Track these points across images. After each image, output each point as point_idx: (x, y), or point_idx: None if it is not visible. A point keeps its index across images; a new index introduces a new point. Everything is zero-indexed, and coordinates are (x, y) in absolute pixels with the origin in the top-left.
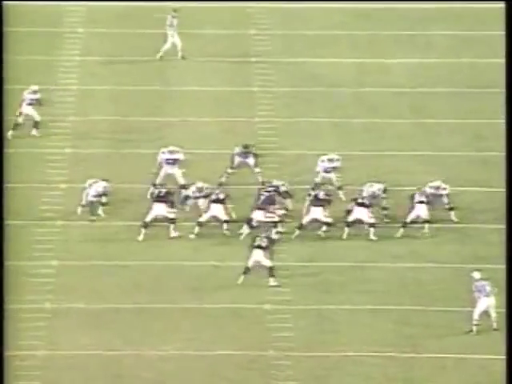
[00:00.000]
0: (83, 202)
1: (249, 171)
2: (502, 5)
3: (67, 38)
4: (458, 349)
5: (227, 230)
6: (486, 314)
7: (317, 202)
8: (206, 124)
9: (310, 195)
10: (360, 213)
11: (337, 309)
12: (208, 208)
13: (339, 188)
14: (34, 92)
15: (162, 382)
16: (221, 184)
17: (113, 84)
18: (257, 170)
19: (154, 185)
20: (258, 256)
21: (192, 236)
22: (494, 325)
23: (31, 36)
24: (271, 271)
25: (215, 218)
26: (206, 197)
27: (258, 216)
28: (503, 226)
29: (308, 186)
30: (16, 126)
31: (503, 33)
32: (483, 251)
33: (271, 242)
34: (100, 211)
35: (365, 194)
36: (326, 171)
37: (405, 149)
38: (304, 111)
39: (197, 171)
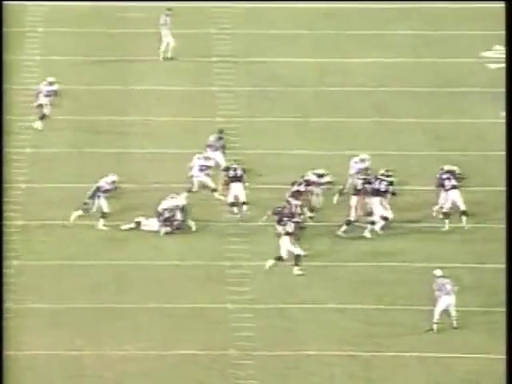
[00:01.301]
0: (87, 201)
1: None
2: (464, 5)
3: (28, 37)
4: (419, 347)
5: (244, 212)
6: (446, 312)
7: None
8: (168, 124)
9: (341, 194)
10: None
11: (298, 308)
12: (229, 188)
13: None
14: (51, 83)
15: (124, 382)
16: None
17: (74, 84)
18: (223, 165)
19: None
20: (287, 244)
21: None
22: (454, 323)
23: None
24: (297, 259)
25: (236, 198)
26: (182, 209)
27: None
28: (463, 224)
29: (274, 186)
30: (43, 116)
31: (465, 32)
32: (445, 250)
33: (299, 228)
34: (100, 223)
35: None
36: (358, 172)
37: (367, 148)
38: (265, 110)
39: (159, 171)
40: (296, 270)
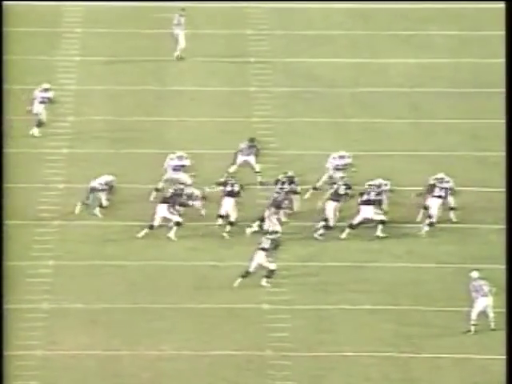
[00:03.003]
0: (87, 198)
1: (249, 171)
2: (502, 5)
3: (66, 38)
4: (456, 349)
5: (228, 232)
6: (483, 313)
7: (335, 196)
8: (204, 124)
9: (315, 189)
10: (366, 211)
11: (334, 309)
12: (222, 201)
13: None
14: (45, 90)
15: (160, 381)
16: (219, 184)
17: (111, 84)
18: (257, 168)
19: (157, 189)
20: (261, 258)
21: (225, 235)
22: (492, 325)
23: (30, 36)
24: (270, 273)
25: (227, 213)
26: (203, 198)
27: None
28: (503, 226)
29: (309, 186)
30: (40, 124)
31: (502, 33)
32: (481, 251)
33: (275, 244)
34: (97, 211)
35: (373, 188)
36: (337, 169)
37: (403, 149)
38: (302, 111)
39: (195, 171)
40: (264, 282)
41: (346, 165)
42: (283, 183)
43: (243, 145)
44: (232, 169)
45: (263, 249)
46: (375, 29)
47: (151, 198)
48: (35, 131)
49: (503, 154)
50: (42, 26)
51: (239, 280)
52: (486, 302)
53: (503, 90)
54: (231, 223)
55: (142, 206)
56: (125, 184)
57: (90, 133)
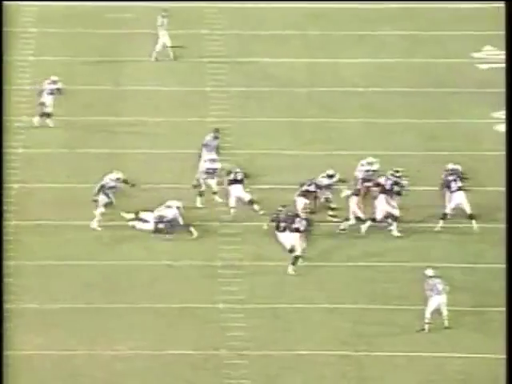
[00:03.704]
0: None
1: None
2: (455, 5)
3: (21, 37)
4: (411, 347)
5: (258, 210)
6: (437, 312)
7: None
8: (160, 124)
9: (357, 195)
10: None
11: (290, 308)
12: (228, 191)
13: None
14: (54, 82)
15: (116, 381)
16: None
17: (66, 84)
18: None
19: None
20: (295, 240)
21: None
22: (446, 323)
23: None
24: (296, 259)
25: (240, 200)
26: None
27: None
28: (454, 225)
29: (266, 186)
30: (49, 115)
31: (455, 33)
32: (436, 250)
33: (309, 225)
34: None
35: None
36: (368, 174)
37: (358, 148)
38: (257, 111)
39: (151, 171)
40: (291, 270)
41: (375, 170)
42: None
43: (208, 137)
44: (202, 166)
45: (297, 230)
46: (330, 29)
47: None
48: (36, 120)
49: (457, 153)
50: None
51: (291, 268)
52: (440, 300)
53: (457, 89)
54: (251, 202)
55: (92, 207)
56: (80, 184)
57: (44, 133)
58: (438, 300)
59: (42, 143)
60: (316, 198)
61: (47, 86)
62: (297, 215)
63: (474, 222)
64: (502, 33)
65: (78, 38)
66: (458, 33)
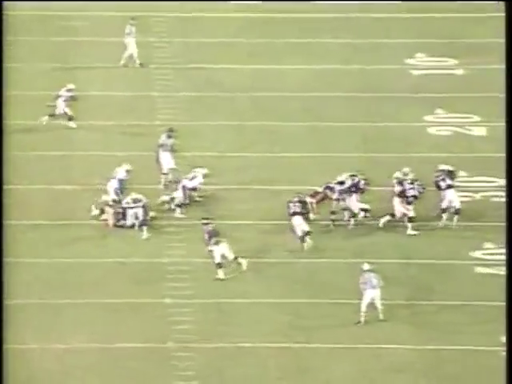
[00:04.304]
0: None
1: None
2: (389, 15)
3: None
4: (348, 339)
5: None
6: (372, 305)
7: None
8: (109, 128)
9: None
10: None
11: (234, 302)
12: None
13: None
14: (69, 90)
15: (68, 374)
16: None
17: (21, 89)
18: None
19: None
20: (299, 221)
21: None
22: (380, 316)
23: None
24: (307, 234)
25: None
26: (143, 207)
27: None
28: (453, 223)
29: (209, 187)
30: (52, 115)
31: (390, 41)
32: (372, 245)
33: (305, 206)
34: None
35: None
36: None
37: (298, 150)
38: (203, 115)
39: (100, 174)
40: (308, 240)
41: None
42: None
43: (163, 137)
44: (165, 168)
45: (295, 213)
46: (272, 37)
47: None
48: (72, 124)
49: (392, 155)
50: None
51: (307, 243)
52: (374, 294)
53: (391, 94)
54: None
55: (55, 205)
56: (34, 185)
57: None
58: (371, 294)
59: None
60: (322, 199)
61: (63, 94)
62: (289, 201)
63: (456, 217)
64: (434, 40)
65: (33, 45)
66: (392, 40)
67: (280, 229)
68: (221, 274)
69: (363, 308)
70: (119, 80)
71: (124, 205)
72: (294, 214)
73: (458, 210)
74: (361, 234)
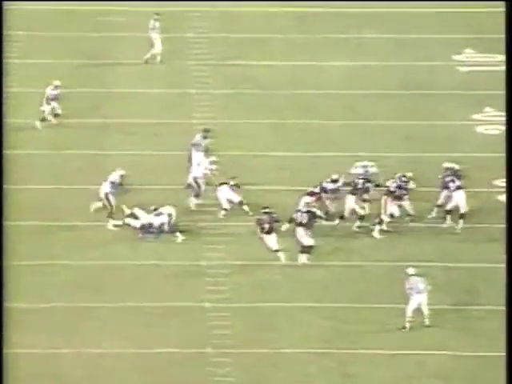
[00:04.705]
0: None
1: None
2: (436, 9)
3: (8, 40)
4: (392, 345)
5: (248, 211)
6: (418, 310)
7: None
8: (146, 126)
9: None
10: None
11: (274, 306)
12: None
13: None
14: (56, 87)
15: (101, 380)
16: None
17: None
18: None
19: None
20: (300, 234)
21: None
22: (426, 321)
23: None
24: (308, 249)
25: (231, 201)
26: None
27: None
28: (435, 225)
29: (253, 187)
30: (43, 119)
31: (437, 36)
32: (417, 249)
33: (312, 218)
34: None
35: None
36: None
37: (338, 149)
38: (241, 113)
39: (140, 172)
40: (304, 258)
41: (372, 173)
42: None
43: (198, 136)
44: (195, 172)
45: (301, 224)
46: (313, 32)
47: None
48: (37, 123)
49: (437, 154)
50: None
51: (304, 256)
52: (421, 299)
53: (437, 92)
54: (241, 202)
55: (86, 206)
56: (66, 186)
57: (29, 135)
58: (418, 299)
59: (30, 145)
60: (319, 199)
61: (50, 92)
62: (298, 210)
63: (461, 221)
64: (483, 36)
65: (66, 41)
66: (439, 36)
67: (320, 230)
68: (282, 257)
69: (409, 313)
70: (154, 77)
71: (149, 219)
72: (300, 224)
73: (463, 214)
74: (402, 236)
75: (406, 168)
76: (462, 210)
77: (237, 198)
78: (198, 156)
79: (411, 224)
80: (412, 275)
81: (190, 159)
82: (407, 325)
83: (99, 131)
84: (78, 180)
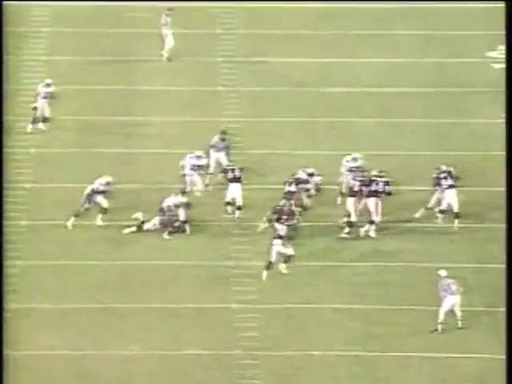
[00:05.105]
0: (83, 204)
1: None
2: (469, 5)
3: (32, 37)
4: (424, 347)
5: (238, 218)
6: (451, 312)
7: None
8: (173, 124)
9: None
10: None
11: (303, 308)
12: (227, 188)
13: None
14: (48, 85)
15: (128, 381)
16: (222, 171)
17: (78, 84)
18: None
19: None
20: (278, 246)
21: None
22: (459, 323)
23: None
24: (288, 258)
25: (233, 199)
26: (187, 205)
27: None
28: (465, 225)
29: (278, 186)
30: (35, 120)
31: (471, 32)
32: (449, 250)
33: (292, 230)
34: (98, 219)
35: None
36: (351, 171)
37: (370, 148)
38: (269, 111)
39: (163, 170)
40: (283, 269)
41: (358, 167)
42: (290, 184)
43: (215, 138)
44: (211, 168)
45: (280, 236)
46: (342, 29)
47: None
48: (41, 126)
49: (470, 153)
50: (9, 25)
51: (265, 273)
52: (454, 301)
53: (470, 89)
54: (239, 208)
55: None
56: (89, 184)
57: (57, 133)
58: (451, 301)
59: (54, 143)
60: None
61: (42, 90)
62: (278, 219)
63: (456, 221)
64: None
65: (91, 38)
66: (472, 32)
67: (351, 231)
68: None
69: (441, 315)
70: (183, 73)
71: (166, 210)
72: (278, 236)
73: (457, 213)
74: (433, 237)
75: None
76: (455, 210)
77: (239, 202)
78: (217, 156)
79: (425, 224)
80: (444, 277)
81: (209, 160)
82: (439, 327)
83: (124, 129)
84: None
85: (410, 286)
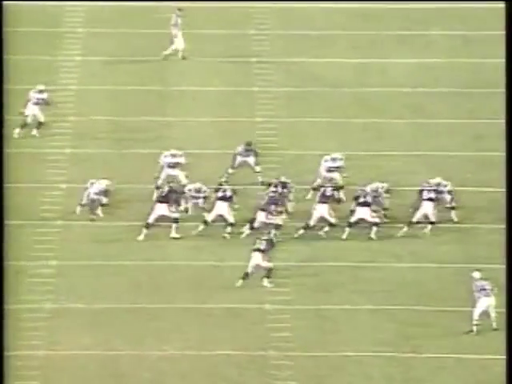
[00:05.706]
0: (83, 201)
1: (249, 172)
2: (502, 5)
3: (67, 38)
4: (458, 349)
5: (229, 233)
6: (485, 313)
7: (323, 198)
8: (206, 124)
9: (315, 189)
10: (362, 212)
11: (336, 309)
12: (213, 206)
13: (341, 187)
14: (40, 91)
15: (162, 381)
16: (221, 184)
17: (113, 84)
18: (257, 168)
19: (157, 187)
20: (257, 259)
21: (194, 233)
22: (494, 325)
23: (31, 36)
24: (268, 272)
25: (221, 218)
26: (205, 198)
27: (261, 217)
28: (503, 226)
29: (308, 186)
30: (24, 125)
31: (503, 33)
32: (483, 251)
33: (270, 244)
34: (99, 211)
35: (368, 191)
36: (330, 170)
37: (404, 149)
38: (304, 111)
39: (197, 172)
40: (266, 282)
41: (338, 167)
42: (276, 186)
43: (240, 148)
44: (231, 171)
45: (258, 250)
46: (376, 29)
47: (154, 197)
48: (35, 132)
49: (497, 153)
50: (44, 26)
51: (240, 282)
52: (489, 302)
53: (503, 90)
54: (232, 224)
55: (144, 206)
56: (127, 184)
57: (91, 133)
58: (486, 302)
59: (87, 142)
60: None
61: (33, 96)
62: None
63: (429, 226)
64: None
65: (125, 38)
66: (503, 32)
67: (382, 233)
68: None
69: (476, 316)
70: (218, 73)
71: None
72: (257, 250)
73: (433, 222)
74: (467, 237)
75: (472, 167)
76: (432, 219)
77: (231, 219)
78: (245, 160)
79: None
80: (479, 279)
81: (233, 165)
82: (474, 328)
83: (157, 129)
84: (140, 179)
85: (444, 287)
